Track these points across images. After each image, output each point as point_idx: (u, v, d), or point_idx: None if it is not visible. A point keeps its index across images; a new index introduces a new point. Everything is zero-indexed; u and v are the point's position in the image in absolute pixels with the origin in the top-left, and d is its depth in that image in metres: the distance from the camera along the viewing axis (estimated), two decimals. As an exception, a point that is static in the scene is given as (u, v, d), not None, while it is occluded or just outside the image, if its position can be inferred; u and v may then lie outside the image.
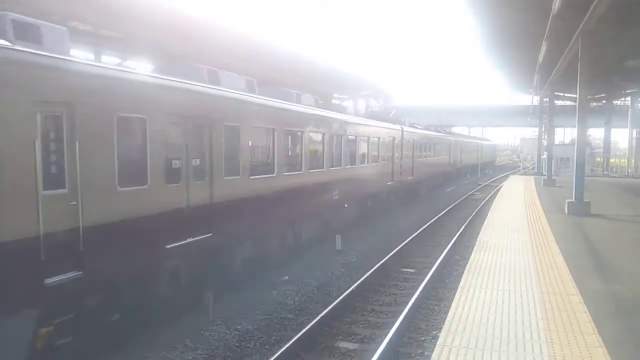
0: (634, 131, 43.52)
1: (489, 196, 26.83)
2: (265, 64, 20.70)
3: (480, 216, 18.64)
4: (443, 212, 20.56)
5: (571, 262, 8.37)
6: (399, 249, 13.20)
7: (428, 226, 17.00)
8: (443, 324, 5.70)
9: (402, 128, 21.72)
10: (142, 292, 7.17)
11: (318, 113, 13.48)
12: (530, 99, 47.10)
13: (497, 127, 79.83)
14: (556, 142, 36.99)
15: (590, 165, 40.78)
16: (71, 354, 5.90)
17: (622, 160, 40.62)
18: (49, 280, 5.59)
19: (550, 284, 7.13)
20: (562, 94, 33.42)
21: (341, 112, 16.06)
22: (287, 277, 10.63)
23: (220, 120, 8.74)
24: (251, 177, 9.79)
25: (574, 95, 37.52)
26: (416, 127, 26.43)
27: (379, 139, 18.25)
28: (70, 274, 5.84)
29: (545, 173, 28.37)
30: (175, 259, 7.76)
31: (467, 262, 8.64)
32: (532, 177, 30.15)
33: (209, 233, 8.33)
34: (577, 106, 14.69)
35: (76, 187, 5.88)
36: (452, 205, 23.62)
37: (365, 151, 17.08)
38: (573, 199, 14.24)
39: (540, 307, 6.13)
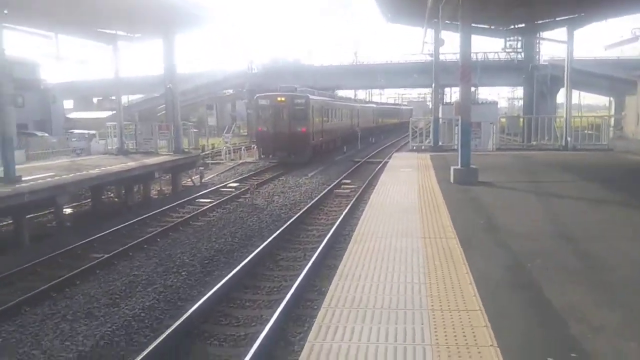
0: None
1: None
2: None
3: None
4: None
5: None
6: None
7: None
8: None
9: (357, 104, 46.94)
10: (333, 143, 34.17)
11: (344, 103, 41.01)
12: (419, 45, 39.47)
13: (381, 89, 69.61)
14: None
15: (513, 130, 31.50)
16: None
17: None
18: (319, 139, 29.75)
19: None
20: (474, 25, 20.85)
21: (339, 99, 41.75)
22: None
23: (327, 106, 32.44)
24: (330, 122, 32.70)
25: (486, 26, 24.97)
26: (362, 102, 53.15)
27: (347, 109, 39.70)
28: (322, 138, 30.30)
29: (438, 144, 20.76)
30: (326, 140, 32.17)
31: None
32: (427, 156, 18.01)
33: (323, 137, 30.46)
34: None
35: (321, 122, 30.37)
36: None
37: (347, 115, 38.85)
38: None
39: None
